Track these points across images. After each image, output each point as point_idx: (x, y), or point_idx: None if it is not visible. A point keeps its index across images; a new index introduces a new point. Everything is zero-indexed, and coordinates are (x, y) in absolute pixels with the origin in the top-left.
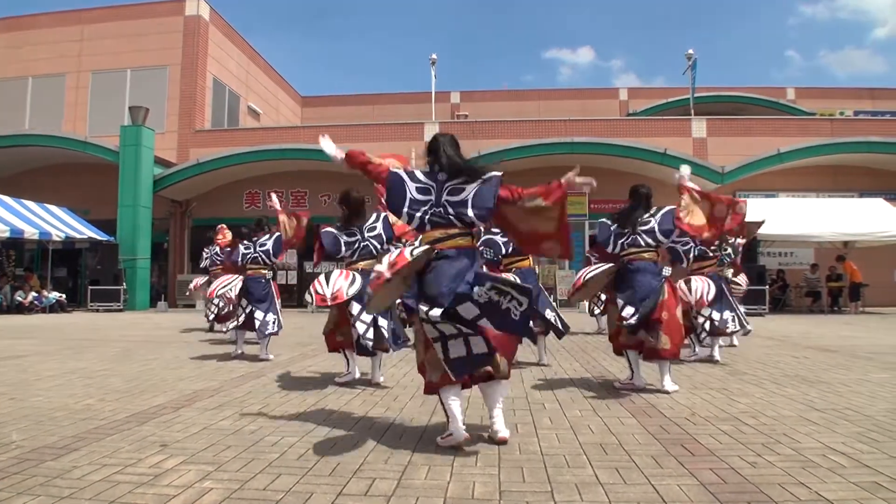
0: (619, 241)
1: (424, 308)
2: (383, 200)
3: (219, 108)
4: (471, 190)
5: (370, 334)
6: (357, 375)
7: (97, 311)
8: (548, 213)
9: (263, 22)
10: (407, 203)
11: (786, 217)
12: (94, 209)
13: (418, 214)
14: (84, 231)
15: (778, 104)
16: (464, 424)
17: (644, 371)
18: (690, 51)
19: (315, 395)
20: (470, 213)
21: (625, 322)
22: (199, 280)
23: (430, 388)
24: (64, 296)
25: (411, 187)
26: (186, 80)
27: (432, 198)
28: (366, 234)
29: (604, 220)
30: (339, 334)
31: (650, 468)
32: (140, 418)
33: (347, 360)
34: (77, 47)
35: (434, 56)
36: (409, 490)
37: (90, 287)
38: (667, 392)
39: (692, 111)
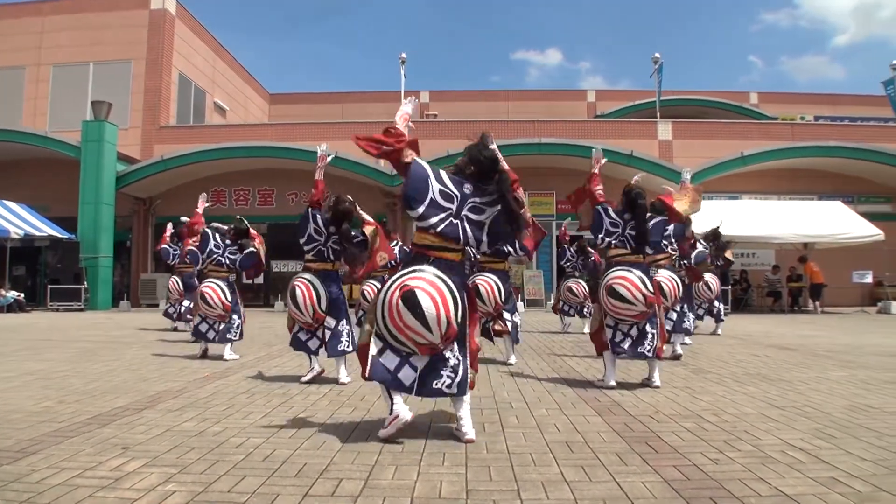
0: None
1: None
2: (404, 190)
3: (184, 104)
4: (490, 214)
5: (304, 336)
6: (318, 368)
7: (57, 310)
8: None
9: (231, 18)
10: (427, 203)
11: (748, 219)
12: (55, 206)
13: (434, 220)
14: (44, 228)
15: (741, 108)
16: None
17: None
18: (657, 55)
19: (281, 395)
20: (484, 238)
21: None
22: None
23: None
24: (22, 295)
25: (435, 188)
26: (151, 74)
27: (453, 208)
28: (328, 241)
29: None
30: None
31: (615, 465)
32: (101, 420)
33: (310, 357)
34: (37, 39)
35: (403, 55)
36: (375, 490)
37: (50, 286)
38: (656, 387)
39: (658, 114)
